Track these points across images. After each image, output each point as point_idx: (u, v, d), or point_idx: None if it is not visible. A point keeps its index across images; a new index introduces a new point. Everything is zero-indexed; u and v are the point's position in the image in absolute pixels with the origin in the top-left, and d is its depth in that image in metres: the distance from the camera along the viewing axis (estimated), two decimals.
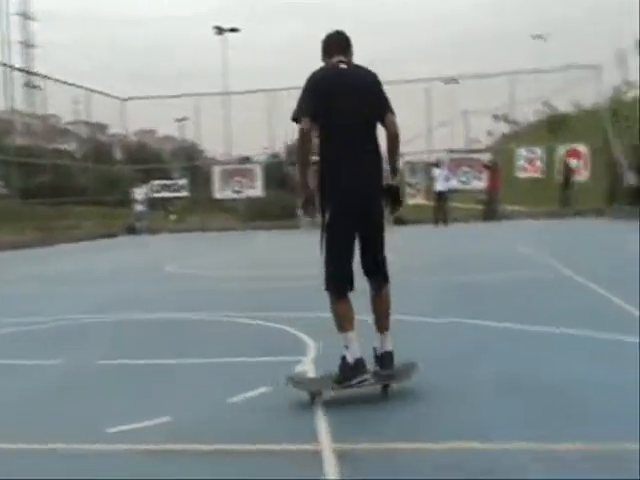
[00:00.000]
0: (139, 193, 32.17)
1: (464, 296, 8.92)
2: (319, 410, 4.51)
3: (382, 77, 5.01)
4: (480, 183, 30.01)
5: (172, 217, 35.48)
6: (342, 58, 4.93)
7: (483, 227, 26.14)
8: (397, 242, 12.60)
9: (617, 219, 24.23)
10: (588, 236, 19.47)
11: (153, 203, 33.46)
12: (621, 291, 8.01)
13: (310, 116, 4.65)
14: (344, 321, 4.73)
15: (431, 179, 29.66)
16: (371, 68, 5.06)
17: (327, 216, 4.77)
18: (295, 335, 6.85)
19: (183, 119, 40.16)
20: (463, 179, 29.97)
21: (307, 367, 5.58)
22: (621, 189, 27.42)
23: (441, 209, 28.11)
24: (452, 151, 31.39)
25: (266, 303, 9.12)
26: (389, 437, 3.97)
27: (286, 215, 29.26)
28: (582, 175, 29.66)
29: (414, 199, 30.33)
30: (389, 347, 4.86)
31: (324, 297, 4.89)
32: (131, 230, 30.93)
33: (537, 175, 30.41)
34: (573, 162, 29.71)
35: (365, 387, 4.73)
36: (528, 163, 30.17)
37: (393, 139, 4.89)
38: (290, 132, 28.07)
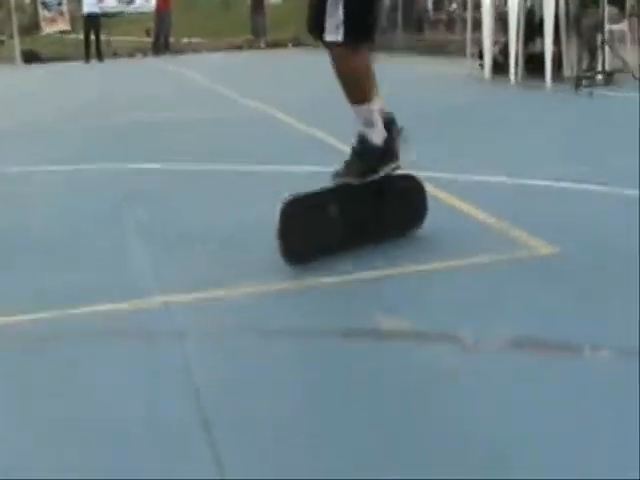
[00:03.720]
0: None
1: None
2: None
3: None
4: (147, 4, 23.25)
5: None
6: None
7: (154, 63, 20.10)
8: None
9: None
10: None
11: None
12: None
13: None
14: (369, 83, 3.54)
15: None
16: None
17: None
18: None
19: None
20: None
21: None
22: None
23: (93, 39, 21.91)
24: None
25: None
26: None
27: None
28: None
29: (53, 25, 23.08)
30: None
31: None
32: None
33: None
34: None
35: None
36: None
37: None
38: None
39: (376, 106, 3.58)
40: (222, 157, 6.31)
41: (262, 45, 23.93)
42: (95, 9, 21.88)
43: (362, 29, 3.46)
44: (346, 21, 3.37)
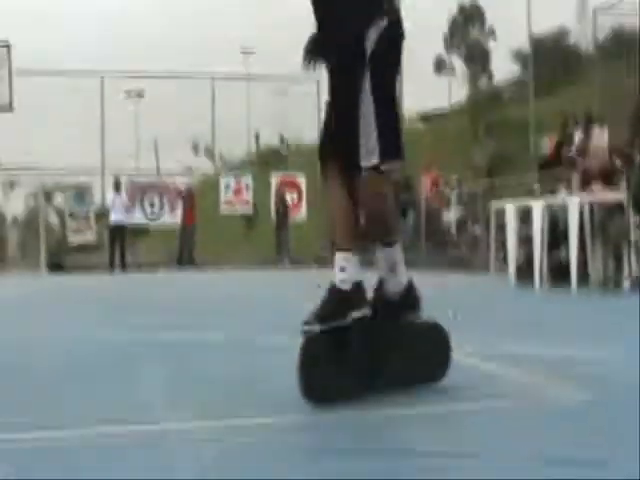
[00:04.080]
0: None
1: None
2: None
3: None
4: (174, 218, 23.75)
5: None
6: None
7: (177, 275, 20.43)
8: None
9: None
10: None
11: None
12: None
13: None
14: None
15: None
16: None
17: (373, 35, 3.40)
18: None
19: None
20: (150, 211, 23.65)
21: None
22: None
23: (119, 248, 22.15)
24: (138, 172, 25.01)
25: None
26: None
27: None
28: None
29: (79, 236, 23.53)
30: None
31: None
32: None
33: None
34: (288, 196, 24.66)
35: None
36: (234, 195, 24.53)
37: None
38: None
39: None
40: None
41: (286, 263, 24.12)
42: (122, 220, 22.26)
43: (397, 149, 3.40)
44: (382, 142, 3.30)
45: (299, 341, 3.39)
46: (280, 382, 3.68)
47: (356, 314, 3.42)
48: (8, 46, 22.08)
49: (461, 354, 4.02)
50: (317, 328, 3.37)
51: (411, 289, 3.58)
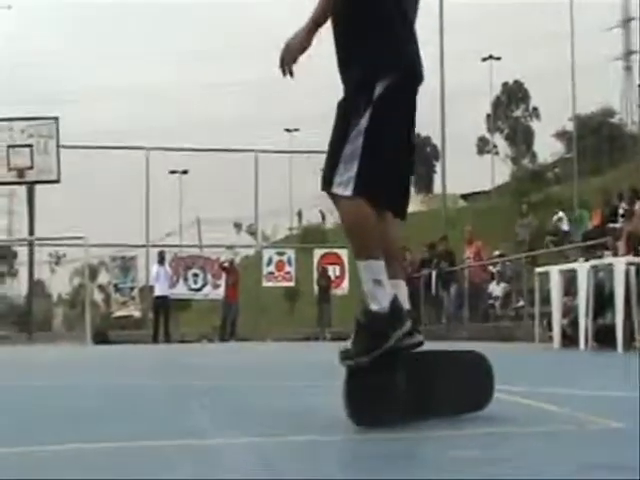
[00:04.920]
0: None
1: None
2: None
3: None
4: (217, 292, 23.96)
5: None
6: None
7: (218, 350, 20.20)
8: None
9: None
10: None
11: None
12: None
13: None
14: (376, 239, 3.48)
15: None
16: None
17: (379, 87, 3.49)
18: None
19: None
20: (194, 285, 23.90)
21: None
22: None
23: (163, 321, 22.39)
24: (182, 246, 25.37)
25: None
26: None
27: None
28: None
29: (124, 309, 23.84)
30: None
31: None
32: None
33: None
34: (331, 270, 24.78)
35: None
36: (276, 268, 24.74)
37: None
38: None
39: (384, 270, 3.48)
40: None
41: (327, 337, 24.13)
42: (166, 293, 22.46)
43: (372, 189, 3.46)
44: (359, 177, 3.42)
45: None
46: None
47: (398, 332, 3.45)
48: (57, 120, 22.74)
49: (504, 392, 4.07)
50: (364, 360, 3.44)
51: (394, 307, 3.50)
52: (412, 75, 3.62)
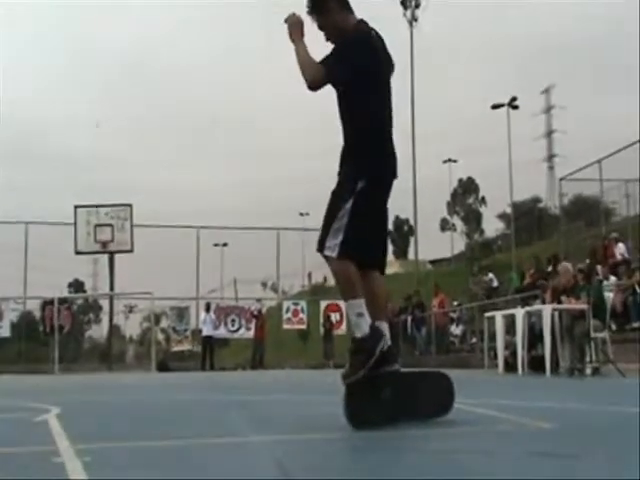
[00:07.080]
0: None
1: None
2: None
3: None
4: (249, 333, 23.79)
5: None
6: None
7: (249, 375, 19.99)
8: None
9: None
10: None
11: None
12: None
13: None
14: (356, 285, 3.51)
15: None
16: None
17: (360, 183, 3.54)
18: None
19: None
20: (232, 327, 23.70)
21: None
22: None
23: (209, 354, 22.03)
24: (223, 298, 25.20)
25: None
26: None
27: None
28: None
29: (180, 345, 23.63)
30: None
31: None
32: None
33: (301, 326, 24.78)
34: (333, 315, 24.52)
35: None
36: (293, 315, 24.58)
37: None
38: None
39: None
40: None
41: (331, 366, 23.92)
42: (211, 333, 22.31)
43: (351, 253, 3.51)
44: (343, 244, 3.49)
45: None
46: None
47: (381, 347, 3.47)
48: (131, 206, 23.05)
49: (462, 403, 4.08)
50: (361, 374, 3.44)
51: (374, 328, 3.52)
52: (389, 174, 3.68)
